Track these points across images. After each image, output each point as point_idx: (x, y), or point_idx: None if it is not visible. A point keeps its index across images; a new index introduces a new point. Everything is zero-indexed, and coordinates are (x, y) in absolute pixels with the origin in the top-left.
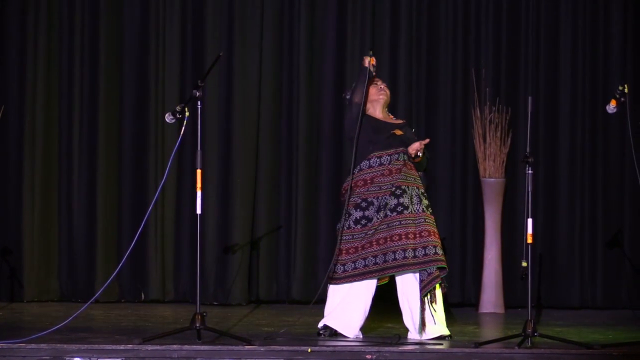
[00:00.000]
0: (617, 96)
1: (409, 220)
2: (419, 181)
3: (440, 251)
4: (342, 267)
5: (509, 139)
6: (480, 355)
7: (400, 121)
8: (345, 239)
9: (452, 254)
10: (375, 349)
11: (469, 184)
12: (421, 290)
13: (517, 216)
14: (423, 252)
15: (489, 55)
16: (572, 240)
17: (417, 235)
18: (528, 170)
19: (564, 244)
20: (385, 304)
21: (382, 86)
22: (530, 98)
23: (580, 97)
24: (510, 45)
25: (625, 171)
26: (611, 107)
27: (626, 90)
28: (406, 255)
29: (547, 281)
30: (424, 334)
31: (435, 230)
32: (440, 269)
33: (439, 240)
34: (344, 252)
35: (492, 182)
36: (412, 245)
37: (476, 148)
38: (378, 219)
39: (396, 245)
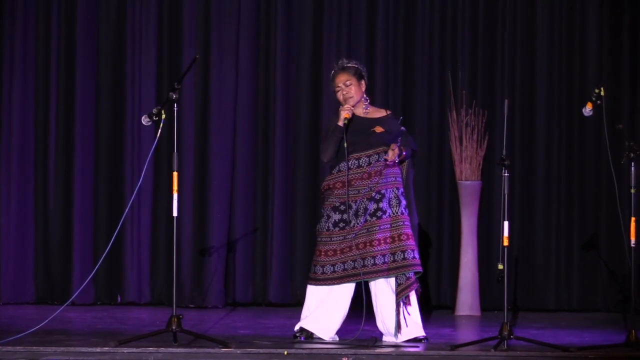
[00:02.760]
0: (594, 99)
1: (387, 224)
2: (400, 179)
3: (417, 255)
4: (321, 269)
5: (485, 142)
6: (457, 358)
7: (382, 114)
8: (324, 241)
9: (428, 257)
10: (352, 351)
11: (445, 186)
12: (398, 294)
13: (493, 219)
14: (402, 257)
15: (465, 58)
16: (548, 243)
17: (396, 239)
18: (504, 172)
19: (540, 246)
20: (361, 306)
21: (343, 88)
22: (506, 101)
23: (557, 99)
24: (486, 48)
25: (602, 174)
26: (587, 109)
27: (602, 93)
28: (385, 260)
29: (524, 284)
30: (399, 336)
31: (412, 232)
32: (416, 273)
33: (415, 243)
34: (322, 253)
35: (468, 185)
36: (391, 250)
37: (452, 151)
38: (358, 223)
39: (375, 251)
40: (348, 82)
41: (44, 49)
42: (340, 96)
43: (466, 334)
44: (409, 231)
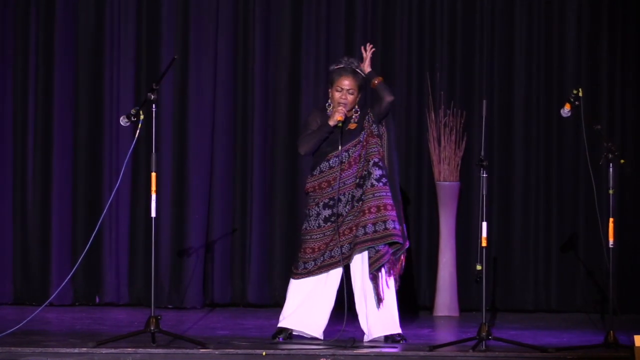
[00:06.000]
0: (572, 100)
1: (368, 195)
2: (376, 149)
3: (398, 225)
4: (312, 263)
5: (464, 143)
6: (435, 359)
7: (356, 112)
8: (316, 238)
9: (407, 257)
10: (331, 352)
11: (423, 187)
12: (371, 265)
13: (471, 219)
14: (383, 227)
15: (443, 58)
16: (526, 244)
17: (382, 208)
18: (483, 173)
19: (519, 247)
20: (340, 307)
21: (345, 93)
22: (484, 101)
23: (535, 100)
24: (464, 48)
25: (580, 175)
26: (565, 110)
27: (580, 94)
28: (366, 231)
29: (502, 284)
30: (376, 331)
31: (392, 202)
32: (393, 244)
33: (396, 214)
34: (316, 250)
35: (446, 186)
36: (372, 220)
37: (431, 151)
38: (346, 212)
39: (361, 222)
40: (352, 91)
41: (22, 49)
42: (337, 96)
43: (444, 334)
44: (389, 202)
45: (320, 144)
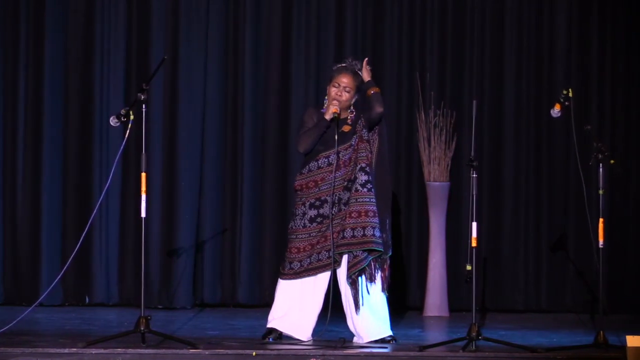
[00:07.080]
0: (562, 100)
1: (352, 200)
2: (364, 154)
3: (378, 233)
4: (298, 264)
5: (454, 143)
6: (425, 359)
7: (347, 114)
8: (300, 238)
9: (396, 258)
10: (320, 352)
11: (413, 187)
12: (349, 269)
13: (461, 220)
14: (362, 233)
15: (433, 58)
16: (516, 244)
17: (363, 214)
18: (473, 174)
19: (509, 247)
20: (334, 307)
21: (341, 89)
22: (474, 102)
23: (525, 100)
24: (454, 49)
25: (570, 175)
26: (555, 111)
27: (570, 95)
28: (344, 235)
29: (492, 285)
30: (368, 336)
31: (375, 209)
32: (372, 250)
33: (378, 220)
34: (301, 250)
35: (436, 186)
36: (351, 225)
37: (421, 151)
38: (333, 214)
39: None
40: (348, 89)
41: (12, 50)
42: (332, 92)
43: (434, 334)
44: (371, 208)
45: (319, 140)
